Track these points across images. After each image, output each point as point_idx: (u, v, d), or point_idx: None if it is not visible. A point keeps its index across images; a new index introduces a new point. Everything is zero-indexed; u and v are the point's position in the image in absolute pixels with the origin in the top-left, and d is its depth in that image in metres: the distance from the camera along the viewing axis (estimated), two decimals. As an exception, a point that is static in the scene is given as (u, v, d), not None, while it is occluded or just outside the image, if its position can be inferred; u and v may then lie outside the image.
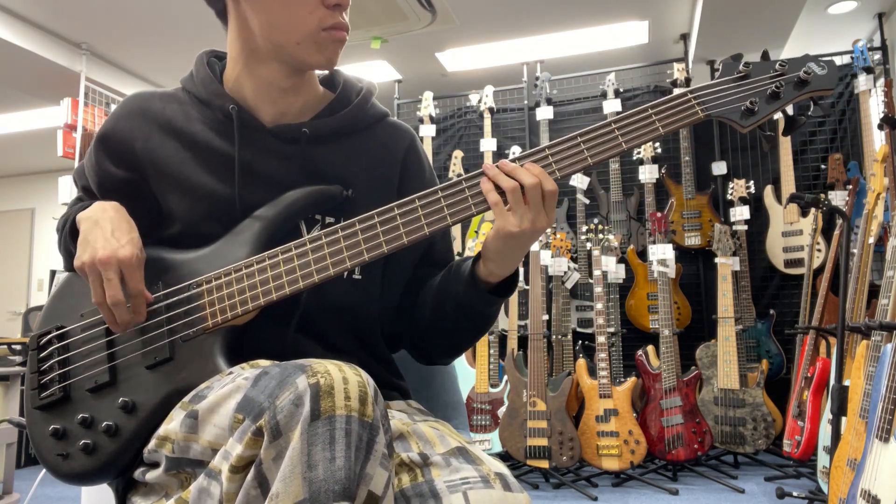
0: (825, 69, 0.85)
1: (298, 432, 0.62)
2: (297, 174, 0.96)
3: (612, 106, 4.08)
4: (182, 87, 1.03)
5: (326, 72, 1.07)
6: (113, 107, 4.58)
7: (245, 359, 0.83)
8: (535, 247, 3.49)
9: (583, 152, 0.85)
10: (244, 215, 0.93)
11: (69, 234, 0.98)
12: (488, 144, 4.30)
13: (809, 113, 0.88)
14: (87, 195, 1.05)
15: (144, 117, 0.99)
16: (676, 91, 3.90)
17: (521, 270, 3.72)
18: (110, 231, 0.89)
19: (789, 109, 0.88)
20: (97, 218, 0.91)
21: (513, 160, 0.86)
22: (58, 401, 0.89)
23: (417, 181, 1.05)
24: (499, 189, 0.84)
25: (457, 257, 1.13)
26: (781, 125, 0.91)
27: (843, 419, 2.19)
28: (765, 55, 0.88)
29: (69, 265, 0.98)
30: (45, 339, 0.93)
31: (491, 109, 4.34)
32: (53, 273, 5.36)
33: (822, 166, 3.83)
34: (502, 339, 3.81)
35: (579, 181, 4.02)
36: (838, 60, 3.96)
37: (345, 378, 0.65)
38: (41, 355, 0.92)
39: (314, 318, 0.93)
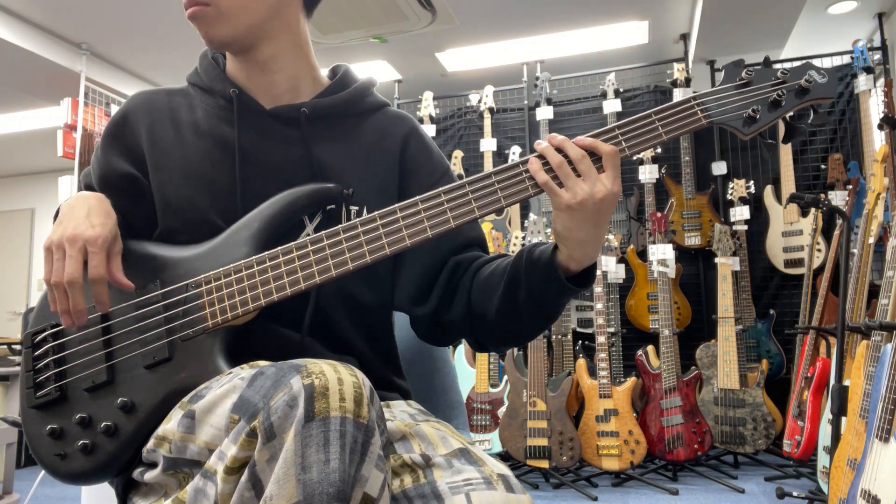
0: (826, 77, 0.86)
1: (292, 434, 0.62)
2: (296, 158, 0.96)
3: (612, 106, 4.08)
4: (188, 83, 1.05)
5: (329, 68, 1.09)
6: (113, 107, 4.58)
7: (248, 359, 0.83)
8: (535, 247, 3.49)
9: None
10: (244, 203, 0.93)
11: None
12: (488, 144, 4.30)
13: (809, 121, 0.88)
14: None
15: (150, 108, 1.00)
16: (676, 91, 3.93)
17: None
18: (84, 214, 0.88)
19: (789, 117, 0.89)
20: (75, 203, 0.91)
21: (516, 163, 0.86)
22: (54, 400, 0.88)
23: (423, 165, 1.04)
24: (547, 167, 0.84)
25: None
26: (780, 130, 0.92)
27: (843, 419, 2.19)
28: (766, 61, 0.89)
29: None
30: (39, 337, 0.92)
31: (491, 109, 4.34)
32: (53, 273, 5.35)
33: (822, 166, 3.83)
34: (502, 339, 3.80)
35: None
36: (838, 60, 3.97)
37: (340, 379, 0.65)
38: (36, 353, 0.91)
39: (319, 317, 0.93)
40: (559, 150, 0.83)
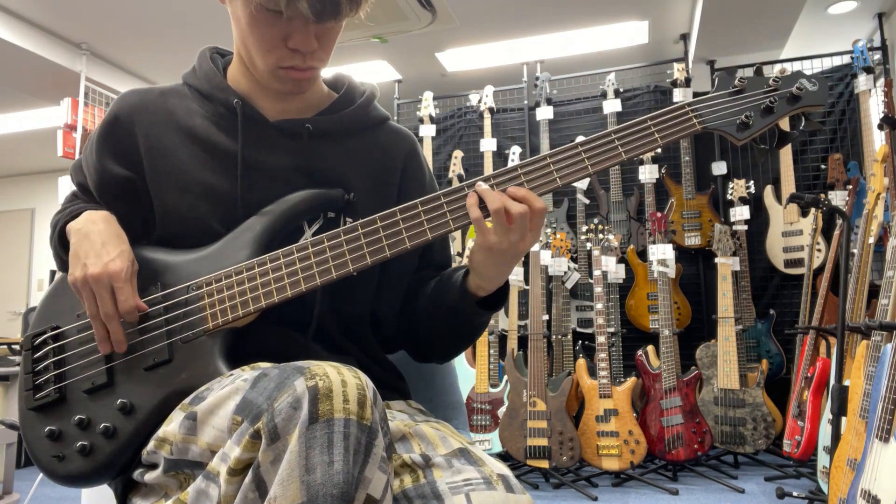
0: (816, 85, 0.88)
1: (296, 435, 0.62)
2: (298, 171, 0.96)
3: (611, 106, 4.08)
4: (183, 82, 1.02)
5: (330, 74, 1.08)
6: (113, 107, 4.58)
7: (249, 360, 0.83)
8: (535, 247, 3.49)
9: (583, 161, 0.87)
10: (245, 212, 0.92)
11: (59, 242, 0.97)
12: (488, 144, 4.30)
13: (801, 128, 0.90)
14: (83, 192, 1.04)
15: (144, 111, 0.98)
16: (676, 91, 3.93)
17: (517, 276, 3.73)
18: (100, 244, 0.88)
19: (784, 124, 0.91)
20: (87, 231, 0.90)
21: (514, 166, 0.87)
22: (53, 402, 0.88)
23: (416, 188, 1.05)
24: (483, 205, 0.85)
25: (456, 258, 1.13)
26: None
27: (843, 419, 2.19)
28: (758, 70, 0.91)
29: (60, 265, 0.98)
30: (39, 340, 0.92)
31: (491, 109, 4.34)
32: (53, 273, 5.36)
33: (822, 166, 3.83)
34: (502, 339, 3.81)
35: (579, 181, 4.02)
36: (838, 60, 3.97)
37: (343, 381, 0.65)
38: (36, 356, 0.91)
39: (320, 322, 0.93)
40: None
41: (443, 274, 0.98)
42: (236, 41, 0.96)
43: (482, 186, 0.86)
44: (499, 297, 0.94)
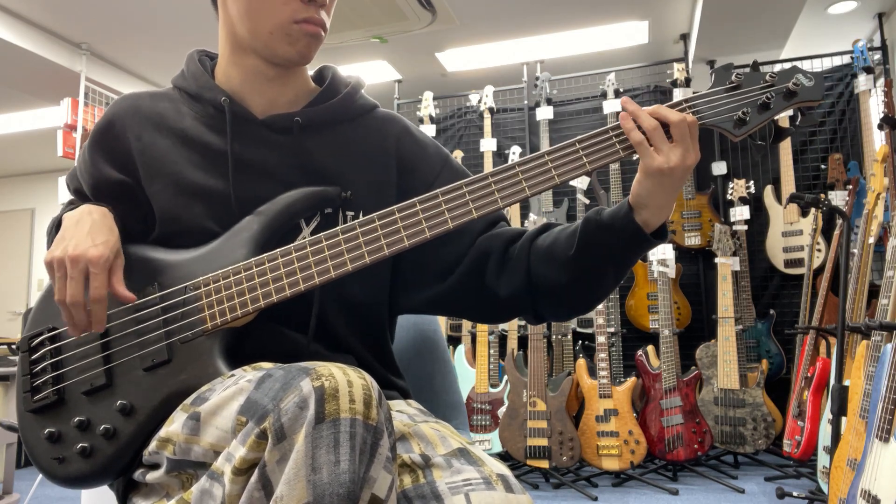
0: (812, 81, 0.87)
1: (303, 435, 0.62)
2: (291, 165, 0.95)
3: (612, 106, 4.08)
4: (173, 86, 1.03)
5: (313, 67, 1.07)
6: (113, 107, 4.58)
7: (249, 360, 0.83)
8: (535, 247, 3.50)
9: (581, 158, 0.87)
10: (239, 210, 0.92)
11: (53, 234, 0.98)
12: (488, 144, 4.30)
13: (797, 123, 0.90)
14: (80, 198, 1.04)
15: (136, 115, 0.99)
16: (676, 91, 3.92)
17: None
18: (87, 232, 0.88)
19: (781, 119, 0.90)
20: (79, 219, 0.90)
21: (512, 164, 0.87)
22: (52, 404, 0.88)
23: (421, 162, 1.04)
24: (640, 129, 0.85)
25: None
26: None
27: (843, 419, 2.19)
28: (755, 66, 0.91)
29: None
30: (36, 341, 0.91)
31: (491, 109, 4.34)
32: (53, 273, 5.36)
33: (822, 166, 3.83)
34: (502, 339, 3.81)
35: (579, 181, 4.02)
36: (838, 60, 3.97)
37: (349, 381, 0.65)
38: (33, 357, 0.91)
39: (318, 318, 0.93)
40: (653, 116, 0.85)
41: (588, 220, 0.91)
42: (228, 27, 0.97)
43: (631, 105, 0.86)
44: (663, 226, 0.90)
